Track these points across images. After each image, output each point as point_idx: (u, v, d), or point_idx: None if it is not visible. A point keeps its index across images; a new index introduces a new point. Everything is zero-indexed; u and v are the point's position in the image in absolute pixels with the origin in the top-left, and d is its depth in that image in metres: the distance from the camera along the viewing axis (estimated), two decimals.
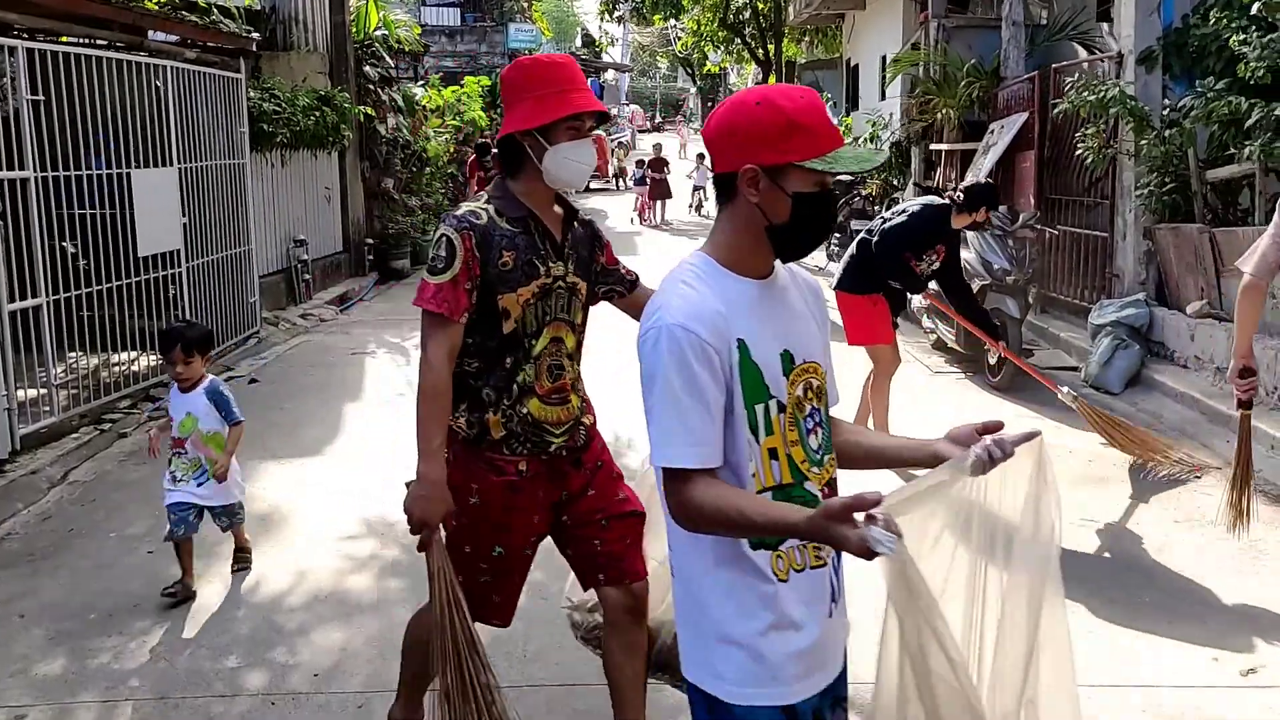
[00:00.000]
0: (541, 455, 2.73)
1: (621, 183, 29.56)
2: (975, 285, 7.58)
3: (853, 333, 5.96)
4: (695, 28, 27.53)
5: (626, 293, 2.94)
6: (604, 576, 2.78)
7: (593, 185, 28.85)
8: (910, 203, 6.18)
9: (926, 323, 8.67)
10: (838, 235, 12.41)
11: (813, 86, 27.11)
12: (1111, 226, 8.46)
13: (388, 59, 14.26)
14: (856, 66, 24.06)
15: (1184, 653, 3.80)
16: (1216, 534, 4.88)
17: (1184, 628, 3.98)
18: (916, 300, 8.90)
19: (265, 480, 5.83)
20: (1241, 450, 4.12)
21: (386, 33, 14.01)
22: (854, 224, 11.91)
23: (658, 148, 21.79)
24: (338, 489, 5.69)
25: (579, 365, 2.85)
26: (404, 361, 8.81)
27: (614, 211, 22.67)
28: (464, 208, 2.68)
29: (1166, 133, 7.56)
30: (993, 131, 10.46)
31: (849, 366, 6.11)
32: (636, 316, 2.07)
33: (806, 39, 27.76)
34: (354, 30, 13.53)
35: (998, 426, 1.86)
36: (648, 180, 20.53)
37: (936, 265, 6.00)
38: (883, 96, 20.75)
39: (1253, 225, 6.92)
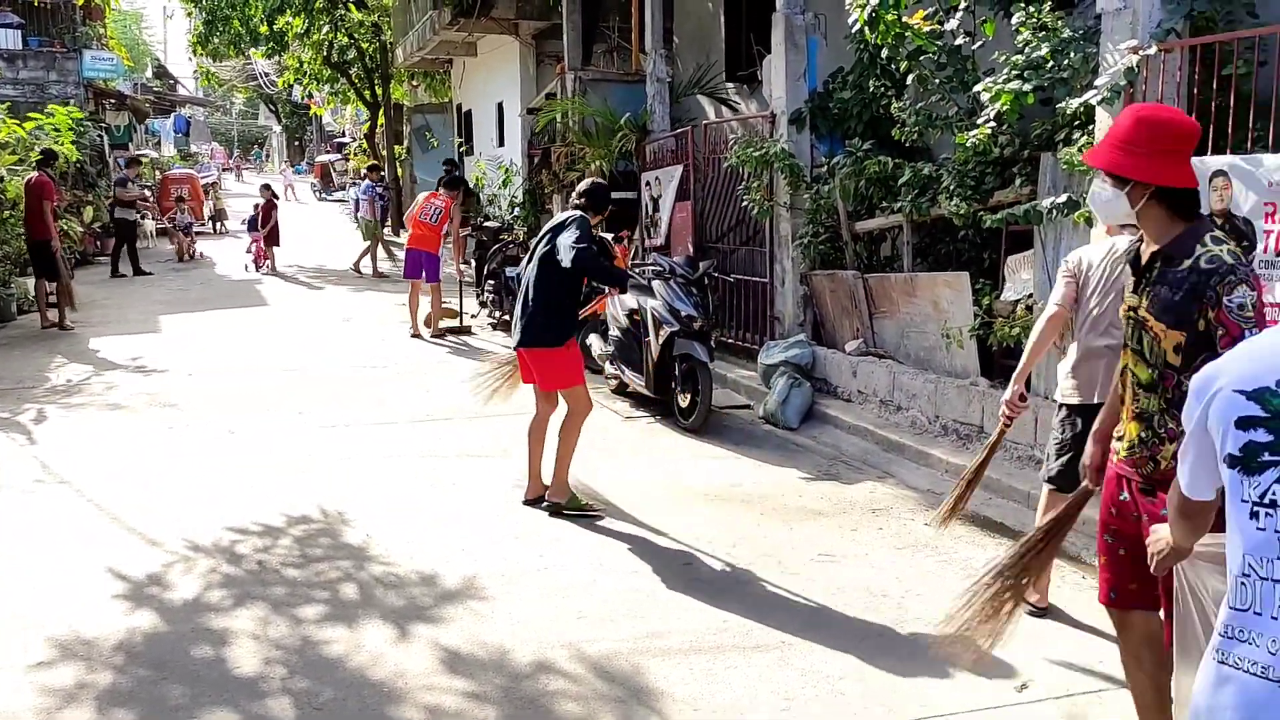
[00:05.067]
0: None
1: (219, 226, 27.54)
2: (664, 332, 7.83)
3: (552, 380, 5.90)
4: (298, 65, 26.35)
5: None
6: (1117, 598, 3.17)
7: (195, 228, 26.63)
8: (565, 228, 5.84)
9: (610, 369, 8.81)
10: (491, 282, 12.34)
11: (422, 130, 27.10)
12: (771, 273, 9.10)
13: None
14: (469, 112, 24.24)
15: (963, 676, 4.07)
16: (936, 559, 5.35)
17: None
18: (598, 347, 9.04)
19: None
20: (986, 458, 4.50)
21: None
22: (508, 270, 11.86)
23: (266, 189, 20.49)
24: None
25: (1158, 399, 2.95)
26: (25, 440, 7.53)
27: (221, 257, 21.06)
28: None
29: (820, 188, 8.28)
30: (649, 184, 10.93)
31: None
32: None
33: (415, 82, 27.58)
34: None
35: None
36: (259, 225, 19.18)
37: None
38: (500, 143, 21.08)
39: (901, 271, 7.73)
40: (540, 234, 6.05)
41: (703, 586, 4.94)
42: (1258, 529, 1.83)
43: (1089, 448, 3.32)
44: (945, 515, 4.66)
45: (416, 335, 11.81)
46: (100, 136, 22.74)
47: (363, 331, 12.37)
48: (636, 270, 8.84)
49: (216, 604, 4.71)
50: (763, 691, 3.93)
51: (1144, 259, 2.96)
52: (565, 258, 5.66)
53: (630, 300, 8.40)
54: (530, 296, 5.83)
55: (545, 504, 5.89)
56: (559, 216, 6.07)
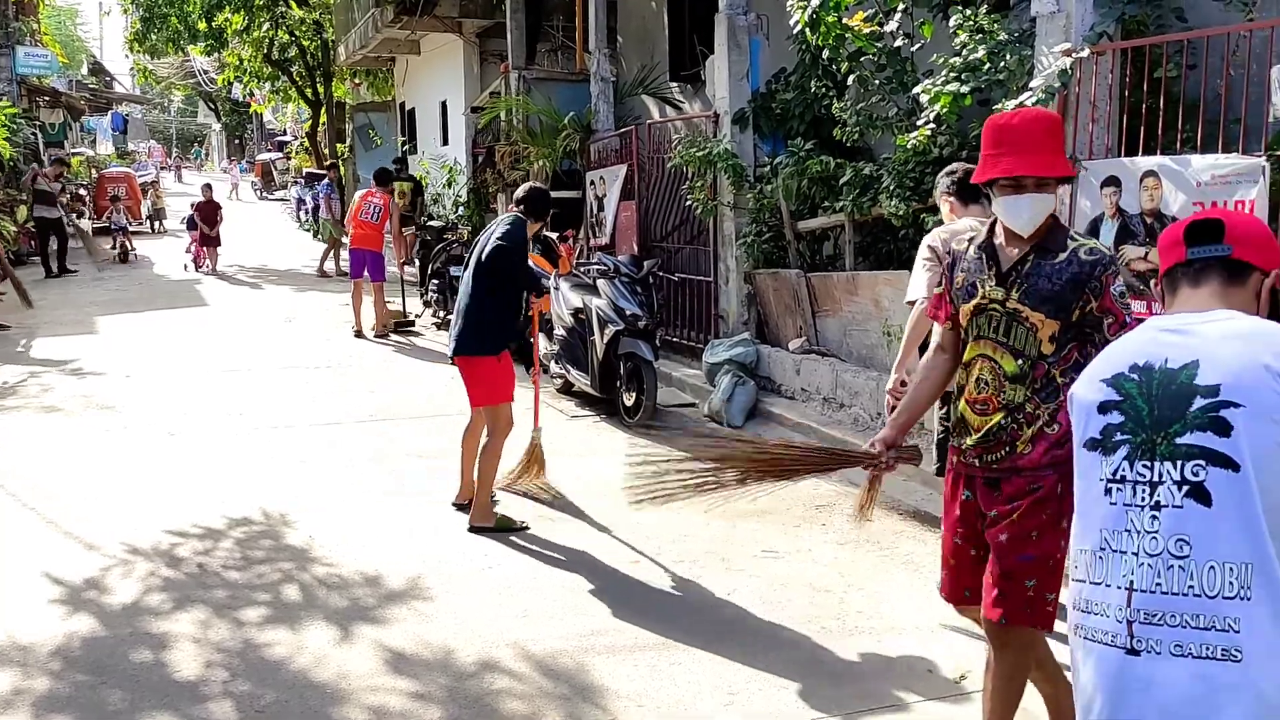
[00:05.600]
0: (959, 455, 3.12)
1: (158, 225, 27.04)
2: (609, 331, 7.85)
3: (480, 393, 5.73)
4: (237, 62, 25.96)
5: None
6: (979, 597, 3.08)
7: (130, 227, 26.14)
8: (497, 227, 5.83)
9: (555, 368, 8.81)
10: (436, 281, 12.27)
11: (365, 128, 26.85)
12: (715, 272, 9.17)
13: None
14: (413, 110, 24.06)
15: (903, 669, 4.15)
16: (878, 554, 5.43)
17: (893, 644, 4.36)
18: (544, 346, 9.03)
19: None
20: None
21: None
22: (453, 270, 11.80)
23: (207, 189, 20.14)
24: None
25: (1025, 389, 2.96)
26: None
27: (160, 257, 20.69)
28: None
29: (763, 187, 8.36)
30: (593, 183, 10.94)
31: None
32: None
33: (357, 80, 27.30)
34: None
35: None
36: (198, 224, 18.80)
37: None
38: (445, 142, 20.95)
39: (844, 270, 7.83)
40: (479, 238, 5.98)
41: (647, 584, 4.97)
42: (1110, 504, 1.94)
43: (884, 430, 3.30)
44: (862, 508, 4.52)
45: (360, 335, 11.72)
46: (34, 134, 22.25)
47: (306, 331, 12.24)
48: (581, 269, 8.87)
49: (156, 607, 4.64)
50: (707, 687, 3.97)
51: (1008, 253, 2.99)
52: (487, 254, 5.60)
53: (575, 299, 8.42)
54: (467, 304, 5.71)
55: (469, 528, 5.62)
56: (498, 221, 6.02)
